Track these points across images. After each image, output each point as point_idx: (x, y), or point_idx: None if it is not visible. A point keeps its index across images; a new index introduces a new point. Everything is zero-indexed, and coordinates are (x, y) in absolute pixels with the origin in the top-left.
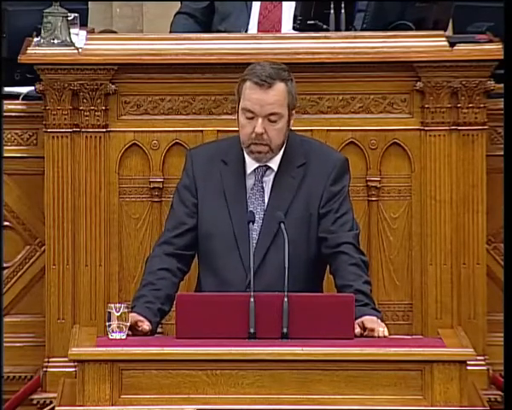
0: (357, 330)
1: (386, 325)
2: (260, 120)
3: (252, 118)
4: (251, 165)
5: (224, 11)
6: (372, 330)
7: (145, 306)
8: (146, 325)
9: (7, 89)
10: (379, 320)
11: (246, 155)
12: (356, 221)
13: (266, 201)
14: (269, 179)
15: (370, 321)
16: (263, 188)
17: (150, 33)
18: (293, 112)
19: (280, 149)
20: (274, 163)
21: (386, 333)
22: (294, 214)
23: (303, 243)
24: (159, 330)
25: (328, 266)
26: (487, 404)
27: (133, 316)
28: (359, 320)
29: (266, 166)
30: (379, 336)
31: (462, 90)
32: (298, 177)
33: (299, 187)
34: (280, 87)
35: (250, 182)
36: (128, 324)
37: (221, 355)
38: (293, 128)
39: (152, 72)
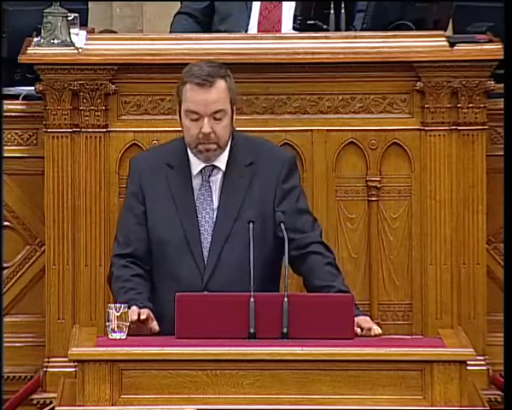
0: (358, 330)
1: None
2: (206, 119)
3: (197, 119)
4: (197, 166)
5: (224, 11)
6: (369, 329)
7: (143, 306)
8: (155, 325)
9: (7, 89)
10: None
11: (191, 156)
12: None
13: (215, 201)
14: (216, 179)
15: (364, 321)
16: (210, 188)
17: (150, 33)
18: (235, 107)
19: (226, 146)
20: (221, 163)
21: (380, 331)
22: (247, 215)
23: (257, 244)
24: None
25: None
26: (487, 404)
27: (144, 311)
28: None
29: (213, 165)
30: (375, 335)
31: (462, 90)
32: (247, 176)
33: (249, 186)
34: (221, 84)
35: (197, 182)
36: (127, 324)
37: (221, 355)
38: (293, 128)
39: (152, 72)
